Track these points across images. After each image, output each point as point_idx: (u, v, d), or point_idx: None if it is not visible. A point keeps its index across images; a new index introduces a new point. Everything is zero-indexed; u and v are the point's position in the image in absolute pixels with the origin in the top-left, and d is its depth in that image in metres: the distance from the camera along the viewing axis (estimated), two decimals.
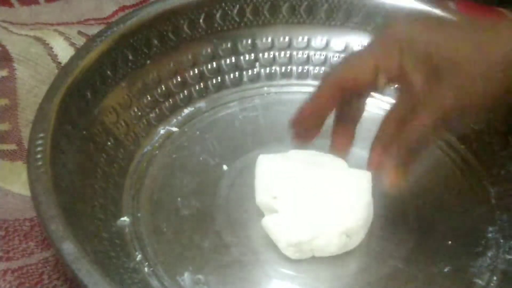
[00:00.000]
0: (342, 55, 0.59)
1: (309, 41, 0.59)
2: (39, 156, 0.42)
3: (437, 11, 0.57)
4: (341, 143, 0.47)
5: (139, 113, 0.53)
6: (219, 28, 0.57)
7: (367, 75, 0.43)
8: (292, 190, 0.44)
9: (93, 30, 0.58)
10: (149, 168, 0.51)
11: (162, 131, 0.54)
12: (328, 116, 0.46)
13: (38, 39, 0.55)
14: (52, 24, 0.63)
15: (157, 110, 0.54)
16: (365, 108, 0.47)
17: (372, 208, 0.45)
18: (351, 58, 0.45)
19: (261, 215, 0.46)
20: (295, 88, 0.59)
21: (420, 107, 0.41)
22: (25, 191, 0.47)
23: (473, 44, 0.40)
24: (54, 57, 0.55)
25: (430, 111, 0.41)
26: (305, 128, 0.46)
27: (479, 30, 0.42)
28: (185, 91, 0.56)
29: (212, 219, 0.47)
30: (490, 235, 0.48)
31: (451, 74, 0.40)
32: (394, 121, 0.43)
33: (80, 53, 0.50)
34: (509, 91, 0.40)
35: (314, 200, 0.44)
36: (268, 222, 0.44)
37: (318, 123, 0.46)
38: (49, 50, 0.55)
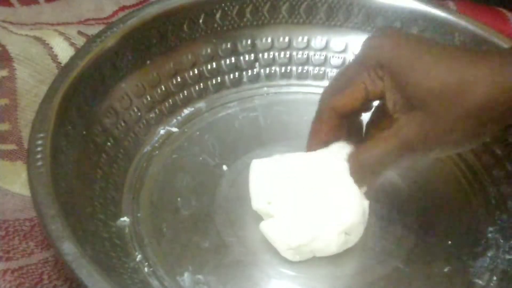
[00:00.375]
0: (342, 55, 0.59)
1: (309, 41, 0.59)
2: (39, 156, 0.42)
3: (437, 11, 0.57)
4: None
5: (139, 113, 0.53)
6: (218, 28, 0.57)
7: (359, 100, 0.43)
8: (286, 193, 0.44)
9: (93, 30, 0.58)
10: (149, 168, 0.51)
11: (162, 132, 0.54)
12: (335, 135, 0.46)
13: (38, 39, 0.55)
14: (52, 24, 0.63)
15: (156, 110, 0.54)
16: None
17: (367, 202, 0.45)
18: (340, 82, 0.45)
19: (261, 215, 0.46)
20: (295, 89, 0.59)
21: (387, 132, 0.41)
22: (25, 191, 0.47)
23: (454, 84, 0.38)
24: (54, 57, 0.55)
25: (394, 139, 0.41)
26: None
27: (468, 65, 0.39)
28: (185, 91, 0.56)
29: (212, 219, 0.47)
30: (490, 235, 0.48)
31: (422, 111, 0.39)
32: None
33: (80, 53, 0.50)
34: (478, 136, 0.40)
35: (309, 201, 0.44)
36: (266, 227, 0.44)
37: (324, 144, 0.46)
38: (49, 50, 0.55)
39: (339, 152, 0.45)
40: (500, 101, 0.38)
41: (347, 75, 0.44)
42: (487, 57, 0.39)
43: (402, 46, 0.41)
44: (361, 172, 0.44)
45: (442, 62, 0.39)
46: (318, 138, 0.46)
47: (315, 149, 0.46)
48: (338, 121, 0.45)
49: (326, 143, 0.46)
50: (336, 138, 0.46)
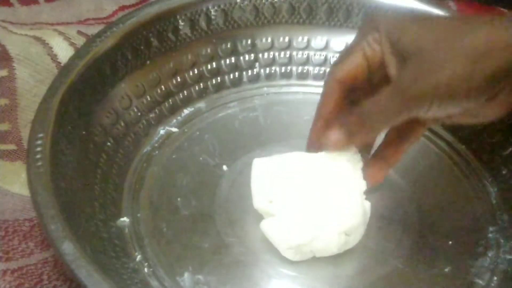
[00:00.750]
0: None
1: (309, 41, 0.59)
2: (38, 156, 0.42)
3: (437, 11, 0.57)
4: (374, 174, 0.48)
5: (139, 113, 0.53)
6: (218, 28, 0.57)
7: (360, 67, 0.44)
8: (287, 193, 0.44)
9: (93, 30, 0.58)
10: (149, 169, 0.50)
11: (161, 132, 0.54)
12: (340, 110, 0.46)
13: (37, 39, 0.55)
14: (51, 24, 0.63)
15: (156, 110, 0.54)
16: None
17: (368, 204, 0.45)
18: (343, 53, 0.46)
19: (261, 215, 0.45)
20: (295, 89, 0.59)
21: (387, 89, 0.42)
22: (25, 191, 0.47)
23: (444, 34, 0.40)
24: (53, 57, 0.55)
25: (390, 90, 0.41)
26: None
27: (457, 22, 0.41)
28: (185, 92, 0.56)
29: (212, 219, 0.47)
30: (490, 235, 0.48)
31: (414, 60, 0.40)
32: None
33: (79, 53, 0.50)
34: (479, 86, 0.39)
35: (310, 201, 0.44)
36: (267, 226, 0.44)
37: (329, 115, 0.46)
38: (48, 50, 0.55)
39: (341, 153, 0.45)
40: (490, 44, 0.38)
41: (348, 47, 0.45)
42: (475, 18, 0.41)
43: (395, 13, 0.45)
44: (358, 121, 0.43)
45: (433, 17, 0.44)
46: (322, 115, 0.46)
47: (317, 129, 0.46)
48: (342, 94, 0.45)
49: (328, 123, 0.45)
50: (336, 114, 0.45)
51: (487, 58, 0.38)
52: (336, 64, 0.45)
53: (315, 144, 0.46)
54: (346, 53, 0.45)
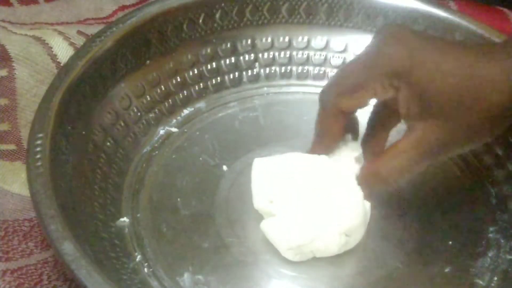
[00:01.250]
0: (342, 55, 0.59)
1: (309, 41, 0.59)
2: (38, 156, 0.42)
3: (437, 11, 0.57)
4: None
5: (139, 114, 0.53)
6: (218, 28, 0.57)
7: (366, 102, 0.43)
8: (288, 193, 0.44)
9: (93, 29, 0.58)
10: (149, 169, 0.50)
11: (161, 132, 0.53)
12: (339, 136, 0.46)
13: (37, 38, 0.55)
14: (51, 24, 0.63)
15: (156, 110, 0.54)
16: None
17: (369, 204, 0.45)
18: (351, 84, 0.43)
19: (261, 215, 0.45)
20: (295, 89, 0.59)
21: (405, 143, 0.42)
22: (25, 191, 0.47)
23: (471, 87, 0.39)
24: (53, 57, 0.55)
25: (411, 148, 0.41)
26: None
27: (482, 67, 0.40)
28: (185, 92, 0.56)
29: (212, 219, 0.47)
30: (490, 235, 0.48)
31: (440, 117, 0.40)
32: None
33: (79, 53, 0.50)
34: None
35: (311, 202, 0.44)
36: (267, 226, 0.44)
37: (334, 144, 0.46)
38: (48, 50, 0.55)
39: (342, 153, 0.45)
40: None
41: (356, 78, 0.42)
42: (495, 55, 0.40)
43: (417, 52, 0.40)
44: (376, 182, 0.44)
45: (458, 67, 0.40)
46: (326, 140, 0.45)
47: (321, 152, 0.46)
48: (344, 121, 0.45)
49: (332, 146, 0.46)
50: (340, 139, 0.46)
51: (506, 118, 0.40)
52: (343, 95, 0.43)
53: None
54: (356, 86, 0.42)
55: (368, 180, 0.44)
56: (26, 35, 0.56)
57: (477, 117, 0.39)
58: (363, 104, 0.44)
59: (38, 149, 0.42)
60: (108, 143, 0.49)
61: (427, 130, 0.41)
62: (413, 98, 0.40)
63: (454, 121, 0.40)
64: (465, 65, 0.40)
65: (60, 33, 0.57)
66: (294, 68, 0.59)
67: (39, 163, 0.41)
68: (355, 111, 0.45)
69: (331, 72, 0.59)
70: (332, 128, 0.45)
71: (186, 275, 0.43)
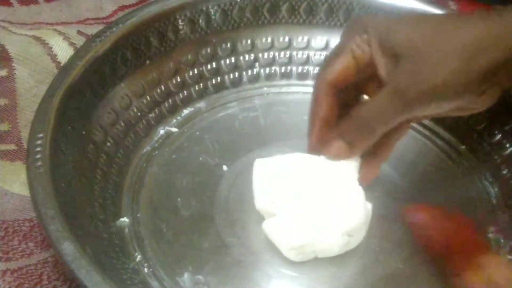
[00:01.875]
0: None
1: (309, 41, 0.59)
2: (38, 156, 0.42)
3: (437, 11, 0.57)
4: (367, 172, 0.47)
5: (139, 114, 0.53)
6: (218, 28, 0.57)
7: (350, 68, 0.44)
8: (290, 193, 0.44)
9: (93, 29, 0.58)
10: (149, 169, 0.50)
11: (161, 132, 0.53)
12: (336, 116, 0.45)
13: (37, 38, 0.55)
14: (51, 24, 0.63)
15: (156, 110, 0.54)
16: None
17: (370, 205, 0.45)
18: (331, 55, 0.45)
19: (261, 215, 0.45)
20: (295, 89, 0.59)
21: (381, 90, 0.42)
22: (25, 191, 0.47)
23: (436, 32, 0.40)
24: (53, 57, 0.55)
25: (387, 92, 0.41)
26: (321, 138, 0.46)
27: (449, 20, 0.41)
28: (185, 92, 0.56)
29: (212, 219, 0.47)
30: (490, 235, 0.48)
31: (409, 60, 0.40)
32: None
33: (79, 53, 0.50)
34: (470, 83, 0.40)
35: (313, 202, 0.44)
36: (269, 226, 0.44)
37: (330, 128, 0.46)
38: (48, 50, 0.55)
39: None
40: (483, 40, 0.39)
41: (335, 48, 0.45)
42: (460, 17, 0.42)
43: (383, 17, 0.45)
44: (358, 129, 0.43)
45: (423, 16, 0.45)
46: (318, 119, 0.45)
47: (316, 134, 0.45)
48: (335, 96, 0.45)
49: (322, 129, 0.45)
50: (335, 118, 0.45)
51: (482, 53, 0.39)
52: (325, 67, 0.45)
53: (316, 148, 0.46)
54: (334, 55, 0.45)
55: (350, 135, 0.44)
56: (26, 35, 0.56)
57: (443, 54, 0.39)
58: (348, 74, 0.44)
59: (38, 149, 0.42)
60: (108, 143, 0.49)
61: (397, 72, 0.41)
62: (382, 49, 0.42)
63: (421, 60, 0.40)
64: (433, 19, 0.42)
65: (60, 33, 0.57)
66: (294, 68, 0.59)
67: (39, 163, 0.41)
68: (344, 84, 0.44)
69: None
70: (322, 104, 0.45)
71: (186, 275, 0.43)
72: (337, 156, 0.45)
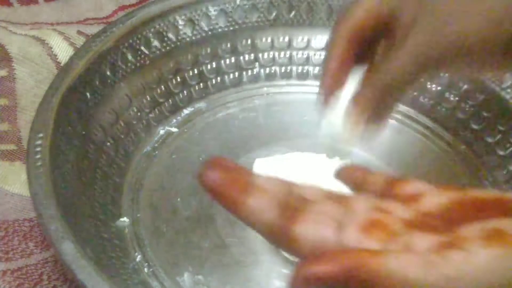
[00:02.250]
0: None
1: (309, 41, 0.59)
2: (38, 156, 0.42)
3: None
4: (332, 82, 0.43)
5: (139, 114, 0.53)
6: (218, 28, 0.57)
7: (368, 17, 0.41)
8: None
9: (93, 29, 0.57)
10: (149, 169, 0.50)
11: (161, 132, 0.53)
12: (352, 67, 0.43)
13: (37, 38, 0.55)
14: (51, 24, 0.63)
15: (156, 110, 0.54)
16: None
17: None
18: (352, 5, 0.43)
19: None
20: (295, 89, 0.59)
21: (398, 48, 0.39)
22: (25, 191, 0.47)
23: None
24: (53, 57, 0.55)
25: (407, 50, 0.39)
26: (333, 85, 0.43)
27: None
28: (185, 91, 0.56)
29: (212, 219, 0.47)
30: None
31: (428, 14, 0.39)
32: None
33: (79, 53, 0.50)
34: (488, 38, 0.38)
35: None
36: None
37: (343, 77, 0.43)
38: (48, 50, 0.55)
39: (343, 155, 0.45)
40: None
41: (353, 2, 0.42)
42: None
43: None
44: (377, 95, 0.41)
45: None
46: (335, 58, 0.42)
47: (330, 84, 0.42)
48: (351, 43, 0.42)
49: (341, 75, 0.42)
50: (350, 64, 0.42)
51: (507, 22, 0.37)
52: (345, 13, 0.42)
53: (331, 88, 0.43)
54: (355, 3, 0.42)
55: (371, 100, 0.41)
56: (26, 35, 0.56)
57: (464, 11, 0.38)
58: (366, 24, 0.41)
59: (38, 149, 0.42)
60: (108, 143, 0.49)
61: (416, 30, 0.39)
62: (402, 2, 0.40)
63: (441, 17, 0.38)
64: None
65: (60, 33, 0.57)
66: (294, 68, 0.59)
67: (39, 163, 0.41)
68: (361, 33, 0.42)
69: None
70: (340, 44, 0.42)
71: (186, 275, 0.43)
72: (357, 125, 0.41)
